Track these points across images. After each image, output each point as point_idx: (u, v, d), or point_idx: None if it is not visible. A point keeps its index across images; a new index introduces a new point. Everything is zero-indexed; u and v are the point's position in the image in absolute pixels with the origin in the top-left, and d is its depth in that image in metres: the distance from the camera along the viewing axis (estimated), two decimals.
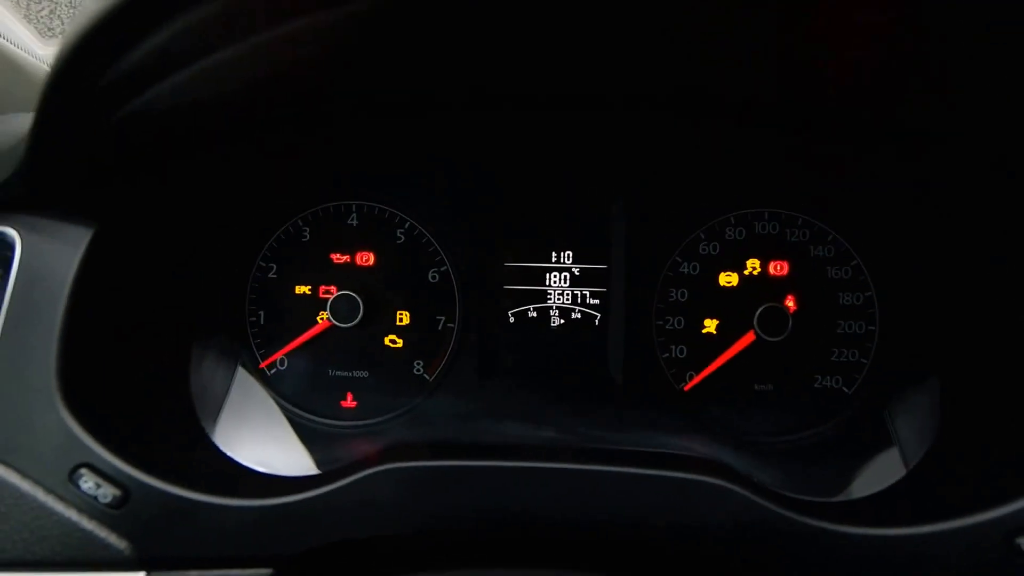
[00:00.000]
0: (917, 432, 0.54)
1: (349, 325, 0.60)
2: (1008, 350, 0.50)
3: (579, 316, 0.62)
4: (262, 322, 0.63)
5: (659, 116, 0.58)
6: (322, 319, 0.61)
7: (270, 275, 0.63)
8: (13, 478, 0.41)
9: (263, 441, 0.57)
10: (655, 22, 0.40)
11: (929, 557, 0.39)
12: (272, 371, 0.62)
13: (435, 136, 0.60)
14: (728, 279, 0.61)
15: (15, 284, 0.44)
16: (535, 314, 0.62)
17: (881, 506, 0.48)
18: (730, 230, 0.61)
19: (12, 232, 0.45)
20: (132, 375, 0.50)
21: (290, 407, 0.62)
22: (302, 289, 0.62)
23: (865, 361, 0.60)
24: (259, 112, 0.52)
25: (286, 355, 0.62)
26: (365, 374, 0.62)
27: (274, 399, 0.62)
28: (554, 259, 0.62)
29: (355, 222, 0.63)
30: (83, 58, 0.32)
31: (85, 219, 0.46)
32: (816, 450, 0.58)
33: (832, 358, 0.60)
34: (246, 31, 0.35)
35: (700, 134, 0.59)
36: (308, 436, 0.60)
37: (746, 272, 0.61)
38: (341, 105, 0.55)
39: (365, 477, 0.44)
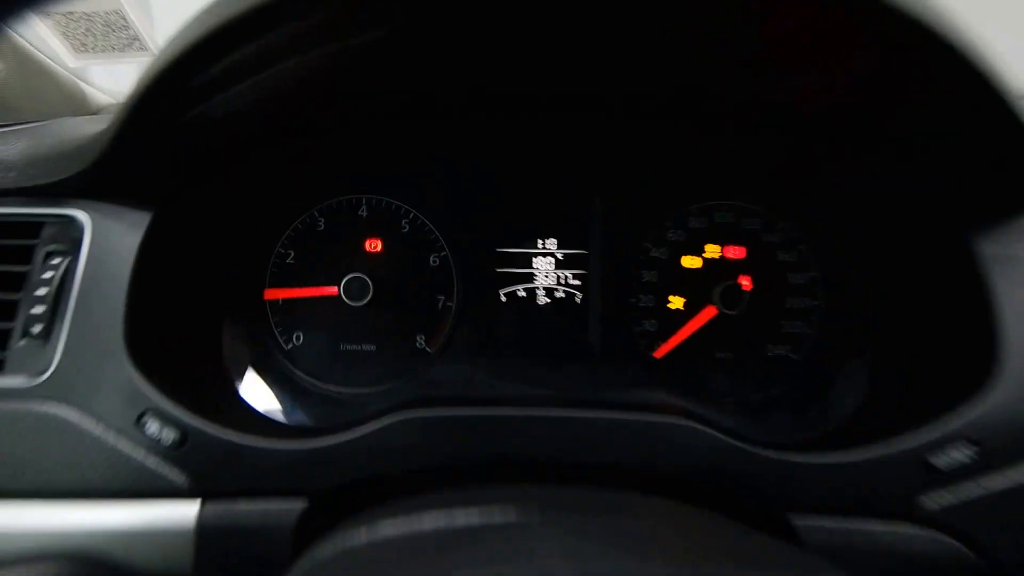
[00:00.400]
0: (852, 391, 0.66)
1: (360, 304, 0.71)
2: (926, 321, 0.62)
3: (563, 295, 0.73)
4: (280, 303, 0.73)
5: (631, 122, 0.70)
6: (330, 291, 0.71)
7: (288, 260, 0.73)
8: (90, 424, 0.51)
9: (283, 405, 0.68)
10: (635, 32, 0.51)
11: (862, 475, 0.51)
12: (289, 346, 0.73)
13: (436, 139, 0.71)
14: (692, 262, 0.73)
15: (86, 261, 0.54)
16: (524, 293, 0.73)
17: (820, 443, 0.59)
18: (693, 219, 0.73)
19: (84, 215, 0.55)
20: (184, 339, 0.60)
21: (306, 377, 0.72)
22: (317, 272, 0.73)
23: (811, 332, 0.72)
24: (285, 119, 0.63)
25: (303, 332, 0.73)
26: (373, 347, 0.73)
27: (292, 370, 0.72)
28: (540, 246, 0.74)
29: (364, 213, 0.74)
30: (183, 68, 0.42)
31: (143, 207, 0.56)
32: (768, 407, 0.70)
33: (782, 329, 0.72)
34: (305, 47, 0.46)
35: (668, 137, 0.71)
36: (323, 402, 0.70)
37: (707, 255, 0.73)
38: (355, 110, 0.66)
39: (388, 425, 0.54)
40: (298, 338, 0.73)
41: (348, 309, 0.71)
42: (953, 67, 0.41)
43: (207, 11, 0.42)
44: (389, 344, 0.73)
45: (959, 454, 0.49)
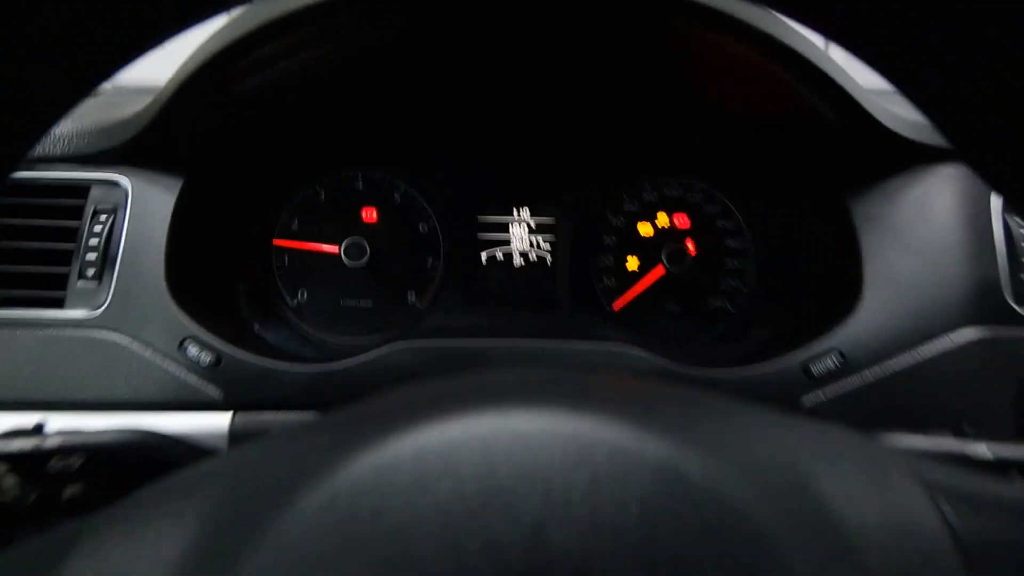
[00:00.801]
0: (770, 327, 0.83)
1: (358, 264, 0.85)
2: (817, 268, 0.80)
3: (535, 258, 0.89)
4: (286, 264, 0.87)
5: (595, 114, 0.86)
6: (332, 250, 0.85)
7: (292, 228, 0.87)
8: (140, 348, 0.64)
9: (292, 350, 0.81)
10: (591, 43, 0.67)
11: (763, 383, 0.67)
12: (295, 302, 0.86)
13: (427, 125, 0.86)
14: (645, 228, 0.89)
15: (130, 217, 0.67)
16: (502, 256, 0.89)
17: (734, 362, 0.76)
18: (646, 193, 0.89)
19: (126, 180, 0.68)
20: (212, 284, 0.73)
21: (310, 329, 0.86)
22: (319, 237, 0.86)
23: (745, 288, 0.89)
24: (295, 105, 0.77)
25: (306, 289, 0.86)
26: (370, 303, 0.87)
27: (298, 323, 0.86)
28: (516, 215, 0.89)
29: (361, 186, 0.88)
30: (238, 50, 0.56)
31: (175, 174, 0.70)
32: (706, 349, 0.86)
33: (721, 286, 0.89)
34: (318, 44, 0.61)
35: (625, 125, 0.87)
36: (326, 349, 0.84)
37: (658, 223, 0.89)
38: (353, 106, 0.80)
39: (386, 352, 0.69)
40: (303, 295, 0.86)
41: (347, 269, 0.85)
42: (802, 72, 0.58)
43: (248, 13, 0.57)
44: (384, 300, 0.87)
45: (829, 363, 0.66)
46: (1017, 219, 0.74)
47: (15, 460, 0.48)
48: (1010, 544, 0.28)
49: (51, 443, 0.49)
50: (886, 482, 0.29)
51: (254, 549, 0.23)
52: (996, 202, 0.72)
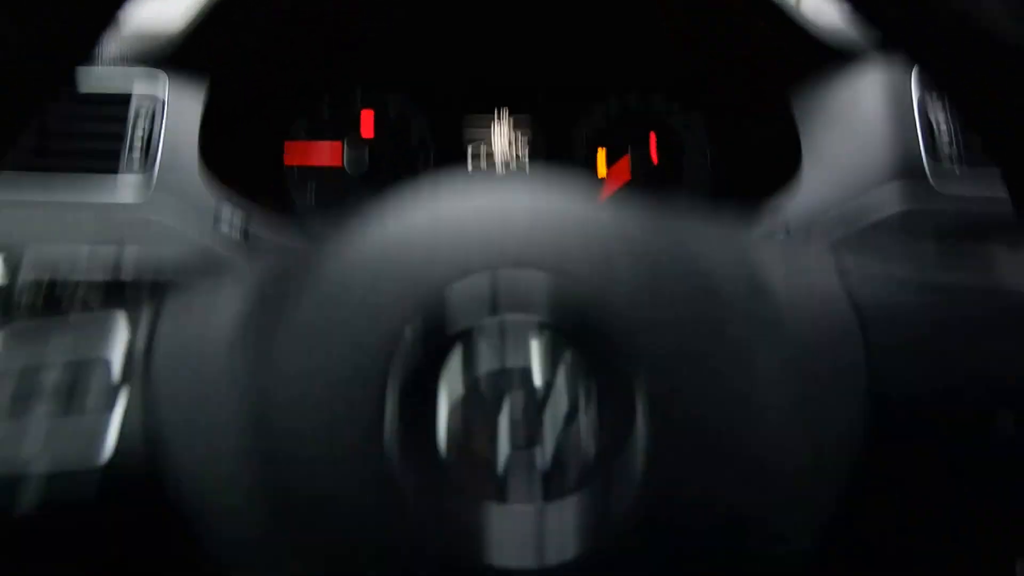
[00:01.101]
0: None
1: (358, 172, 0.99)
2: (766, 157, 0.93)
3: (514, 167, 1.03)
4: (295, 173, 1.02)
5: (567, 32, 0.99)
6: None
7: (299, 139, 1.02)
8: (182, 225, 0.79)
9: None
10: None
11: None
12: (303, 207, 1.02)
13: (415, 47, 1.00)
14: (613, 138, 1.03)
15: (167, 119, 0.82)
16: (485, 165, 1.03)
17: None
18: (613, 105, 1.03)
19: (162, 89, 0.83)
20: (238, 178, 0.88)
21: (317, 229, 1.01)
22: (323, 148, 1.01)
23: (704, 188, 1.03)
24: (305, 28, 0.91)
25: (313, 194, 1.01)
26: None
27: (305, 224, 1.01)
28: (498, 131, 1.03)
29: (359, 99, 1.02)
30: None
31: (202, 75, 0.84)
32: None
33: (684, 182, 1.03)
34: None
35: (594, 43, 1.00)
36: None
37: (624, 132, 1.03)
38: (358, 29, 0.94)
39: None
40: (311, 199, 1.02)
41: (348, 177, 1.00)
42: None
43: None
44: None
45: (777, 235, 0.80)
46: (934, 109, 0.87)
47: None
48: (895, 307, 0.38)
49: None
50: (800, 258, 0.40)
51: (327, 267, 0.37)
52: (916, 94, 0.86)
